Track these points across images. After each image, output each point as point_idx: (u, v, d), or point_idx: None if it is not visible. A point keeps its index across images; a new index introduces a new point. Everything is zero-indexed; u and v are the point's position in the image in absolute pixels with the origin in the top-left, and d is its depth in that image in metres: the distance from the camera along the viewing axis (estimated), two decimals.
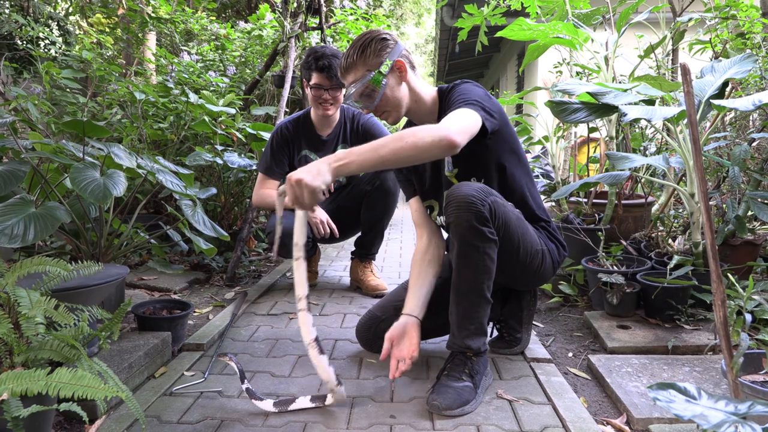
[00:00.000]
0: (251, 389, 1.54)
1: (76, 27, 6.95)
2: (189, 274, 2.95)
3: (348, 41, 5.01)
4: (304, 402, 1.52)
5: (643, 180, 2.80)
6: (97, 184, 1.61)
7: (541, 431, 1.40)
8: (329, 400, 1.51)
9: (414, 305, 1.72)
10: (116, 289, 2.01)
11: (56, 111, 3.10)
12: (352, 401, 1.55)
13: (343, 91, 2.60)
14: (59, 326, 1.31)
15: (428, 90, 1.73)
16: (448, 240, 1.69)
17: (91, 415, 1.37)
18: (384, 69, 1.61)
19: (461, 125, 1.45)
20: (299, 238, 1.48)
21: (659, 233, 2.48)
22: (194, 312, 2.40)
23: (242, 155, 3.12)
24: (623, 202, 2.66)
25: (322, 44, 4.28)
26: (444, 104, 1.69)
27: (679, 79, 2.78)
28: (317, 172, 1.35)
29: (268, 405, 1.50)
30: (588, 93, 2.14)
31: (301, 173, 1.34)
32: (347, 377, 1.72)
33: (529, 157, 4.72)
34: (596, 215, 2.70)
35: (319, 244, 2.86)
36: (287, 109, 3.76)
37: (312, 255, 2.87)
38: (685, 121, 2.07)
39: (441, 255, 1.83)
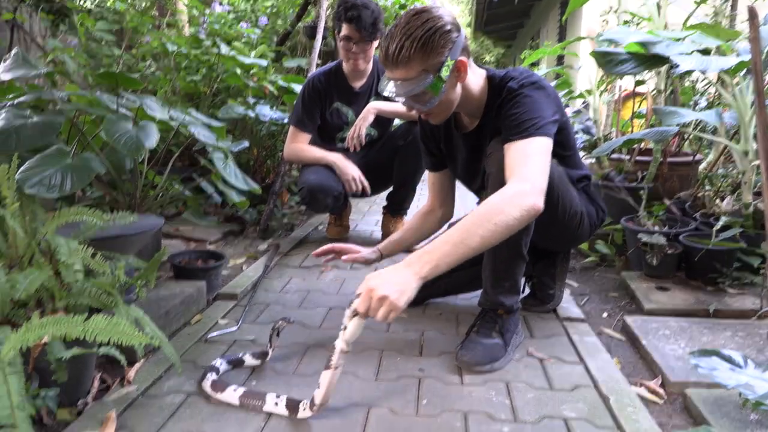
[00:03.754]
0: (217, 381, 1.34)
1: None
2: (223, 226, 2.99)
3: None
4: (271, 403, 1.27)
5: (691, 137, 2.66)
6: (130, 136, 1.62)
7: (572, 390, 1.38)
8: (302, 410, 1.24)
9: (387, 243, 1.82)
10: (152, 238, 2.05)
11: (92, 63, 3.12)
12: (381, 354, 1.56)
13: (374, 44, 2.51)
14: (97, 274, 1.34)
15: (478, 81, 1.53)
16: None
17: (131, 357, 1.42)
18: (445, 73, 1.38)
19: (540, 177, 1.32)
20: (349, 346, 1.22)
21: (706, 193, 2.37)
22: (228, 263, 2.44)
23: (274, 108, 3.10)
24: (669, 159, 2.54)
25: None
26: (495, 99, 1.51)
27: (738, 27, 2.59)
28: (404, 288, 1.17)
29: (232, 397, 1.29)
30: (637, 43, 2.01)
31: (384, 287, 1.16)
32: (376, 329, 1.73)
33: (569, 111, 4.55)
34: (639, 173, 2.59)
35: (350, 198, 2.85)
36: (319, 61, 3.69)
37: (343, 209, 2.86)
38: (743, 72, 1.93)
39: (434, 228, 1.88)
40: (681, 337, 1.63)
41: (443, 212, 1.88)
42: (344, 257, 1.76)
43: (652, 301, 1.89)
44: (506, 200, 1.28)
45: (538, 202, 1.29)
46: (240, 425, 1.22)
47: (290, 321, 1.47)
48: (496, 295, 1.56)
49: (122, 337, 0.98)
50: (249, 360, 1.47)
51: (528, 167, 1.34)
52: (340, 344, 1.19)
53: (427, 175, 1.94)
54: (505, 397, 1.35)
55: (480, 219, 1.26)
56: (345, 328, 1.21)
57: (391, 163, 2.68)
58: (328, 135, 2.75)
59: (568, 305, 1.91)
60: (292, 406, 1.25)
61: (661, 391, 1.39)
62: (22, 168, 1.49)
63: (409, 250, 1.79)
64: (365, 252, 1.78)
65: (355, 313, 1.19)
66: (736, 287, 1.95)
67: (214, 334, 1.68)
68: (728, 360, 0.79)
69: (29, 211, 1.42)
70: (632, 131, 3.19)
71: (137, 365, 1.45)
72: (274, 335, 1.49)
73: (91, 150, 1.87)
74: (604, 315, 1.91)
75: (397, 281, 1.19)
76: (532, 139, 1.37)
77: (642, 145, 2.81)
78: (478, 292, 1.65)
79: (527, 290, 1.91)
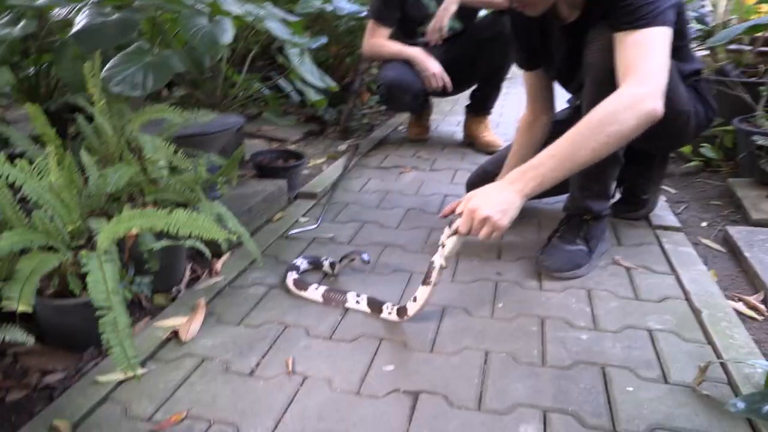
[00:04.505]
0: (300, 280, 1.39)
1: None
2: (304, 126, 3.01)
3: None
4: (352, 301, 1.30)
5: None
6: (206, 31, 1.59)
7: (660, 301, 1.30)
8: (387, 313, 1.25)
9: (510, 169, 1.61)
10: (234, 138, 2.08)
11: None
12: (458, 257, 1.54)
13: None
14: (181, 171, 1.39)
15: None
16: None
17: (216, 251, 1.50)
18: None
19: (661, 75, 1.14)
20: (448, 262, 1.17)
21: None
22: (308, 163, 2.47)
23: (352, 0, 2.94)
24: None
25: None
26: None
27: None
28: (507, 208, 1.12)
29: (315, 294, 1.34)
30: None
31: (487, 208, 1.10)
32: None
33: None
34: (762, 66, 2.26)
35: (431, 97, 2.74)
36: None
37: (423, 109, 2.76)
38: None
39: (543, 137, 1.65)
40: None
41: (547, 118, 1.68)
42: None
43: (761, 211, 1.71)
44: (622, 106, 1.13)
45: (658, 106, 1.14)
46: (318, 317, 1.27)
47: (366, 261, 1.40)
48: (584, 200, 1.47)
49: (202, 231, 1.01)
50: (326, 267, 1.47)
51: (647, 64, 1.16)
52: (439, 261, 1.16)
53: (516, 74, 1.76)
54: (586, 304, 1.30)
55: (591, 130, 1.14)
56: (443, 245, 1.17)
57: (475, 58, 2.51)
58: (409, 29, 2.59)
59: (663, 213, 1.78)
60: (375, 306, 1.27)
61: (762, 307, 1.28)
62: (106, 66, 1.52)
63: None
64: None
65: (455, 232, 1.16)
66: None
67: (295, 231, 1.73)
68: None
69: (117, 109, 1.46)
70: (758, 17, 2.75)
71: (224, 258, 1.53)
72: (346, 261, 1.44)
73: (173, 47, 1.88)
74: (703, 224, 1.76)
75: (500, 200, 1.13)
76: (651, 30, 1.18)
77: None
78: (564, 197, 1.56)
79: (617, 195, 1.78)
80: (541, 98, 1.68)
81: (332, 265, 1.46)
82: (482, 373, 1.07)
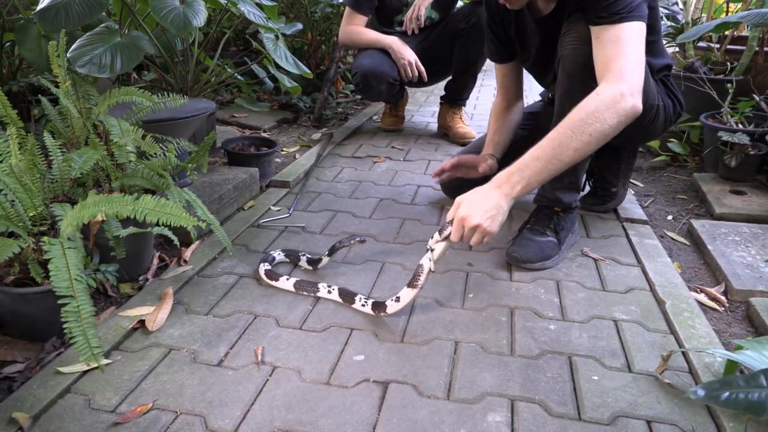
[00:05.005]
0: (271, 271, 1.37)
1: None
2: (278, 113, 2.97)
3: None
4: (324, 291, 1.29)
5: None
6: (177, 13, 1.55)
7: (626, 292, 1.33)
8: (361, 305, 1.25)
9: (492, 148, 1.67)
10: (206, 124, 2.05)
11: None
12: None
13: None
14: (151, 156, 1.35)
15: None
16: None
17: (186, 239, 1.47)
18: None
19: (638, 72, 1.16)
20: (437, 266, 1.21)
21: None
22: (282, 151, 2.44)
23: None
24: (766, 49, 2.24)
25: None
26: None
27: None
28: (495, 212, 1.14)
29: (286, 285, 1.32)
30: None
31: (476, 216, 1.12)
32: (427, 223, 1.70)
33: None
34: (728, 64, 2.32)
35: (406, 87, 2.73)
36: None
37: (399, 99, 2.75)
38: None
39: (519, 120, 1.73)
40: (752, 244, 1.52)
41: (520, 105, 1.74)
42: (480, 170, 1.64)
43: (724, 205, 1.76)
44: (603, 105, 1.15)
45: (638, 103, 1.17)
46: (289, 307, 1.26)
47: (362, 240, 1.38)
48: (554, 192, 1.49)
49: (170, 218, 0.99)
50: (303, 263, 1.44)
51: (625, 61, 1.18)
52: (428, 265, 1.17)
53: (491, 65, 1.77)
54: (554, 295, 1.32)
55: (573, 130, 1.15)
56: (432, 249, 1.19)
57: (451, 49, 2.51)
58: (386, 17, 2.58)
59: (631, 206, 1.81)
60: (348, 296, 1.26)
61: (722, 298, 1.32)
62: (72, 47, 1.47)
63: None
64: (490, 162, 1.65)
65: (446, 239, 1.17)
66: None
67: (266, 220, 1.71)
68: None
69: (83, 91, 1.42)
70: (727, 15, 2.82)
71: (193, 246, 1.50)
72: (338, 247, 1.40)
73: (142, 30, 1.83)
74: (669, 218, 1.80)
75: (488, 207, 1.15)
76: (626, 25, 1.19)
77: (736, 31, 2.49)
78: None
79: (587, 188, 1.81)
80: (513, 87, 1.71)
81: (310, 261, 1.42)
82: (452, 363, 1.08)
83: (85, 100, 1.40)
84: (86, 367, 1.01)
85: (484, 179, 1.28)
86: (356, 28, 2.49)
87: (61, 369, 1.01)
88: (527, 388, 1.01)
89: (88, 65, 1.42)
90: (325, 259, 1.41)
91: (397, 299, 1.19)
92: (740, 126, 2.00)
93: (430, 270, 1.18)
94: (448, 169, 1.67)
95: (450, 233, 1.17)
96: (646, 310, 1.26)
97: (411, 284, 1.18)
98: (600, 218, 1.75)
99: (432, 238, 1.21)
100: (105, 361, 1.04)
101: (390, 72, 2.42)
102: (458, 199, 1.19)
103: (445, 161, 1.69)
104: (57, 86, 1.33)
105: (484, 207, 1.15)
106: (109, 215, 1.02)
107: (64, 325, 0.86)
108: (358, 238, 1.38)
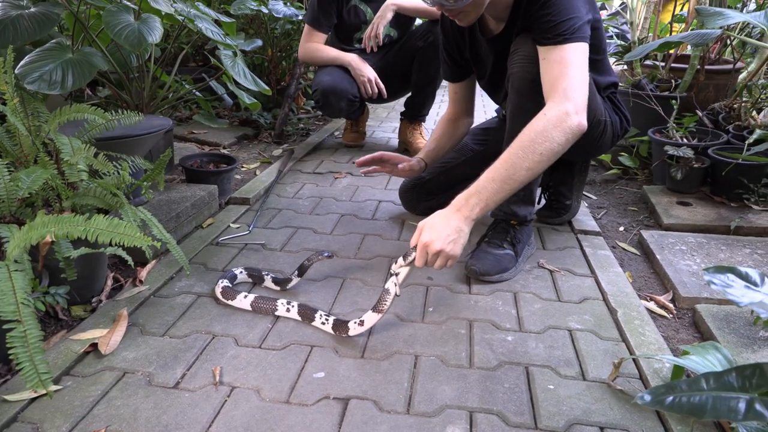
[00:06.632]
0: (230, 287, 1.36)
1: None
2: (238, 130, 2.95)
3: None
4: (282, 309, 1.29)
5: (734, 42, 2.46)
6: (132, 29, 1.53)
7: (580, 302, 1.37)
8: (321, 323, 1.24)
9: (425, 154, 1.78)
10: (163, 141, 2.02)
11: None
12: (390, 262, 1.56)
13: None
14: (104, 175, 1.33)
15: None
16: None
17: (141, 259, 1.44)
18: None
19: (582, 91, 1.23)
20: (399, 290, 1.22)
21: (743, 104, 2.22)
22: (242, 167, 2.42)
23: (288, 4, 2.92)
24: (706, 67, 2.37)
25: None
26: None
27: None
28: (457, 236, 1.18)
29: (243, 303, 1.31)
30: None
31: (438, 241, 1.16)
32: (388, 238, 1.72)
33: (604, 14, 4.23)
34: (673, 81, 2.43)
35: (367, 103, 2.75)
36: None
37: (360, 115, 2.77)
38: None
39: (465, 134, 1.83)
40: (697, 252, 1.59)
41: (469, 120, 1.82)
42: (399, 167, 1.74)
43: (671, 216, 1.83)
44: (551, 125, 1.20)
45: (583, 120, 1.23)
46: (248, 326, 1.24)
47: (330, 256, 1.37)
48: (510, 205, 1.52)
49: (123, 238, 0.97)
50: (269, 283, 1.42)
51: (568, 81, 1.23)
52: (394, 290, 1.19)
53: (448, 87, 1.83)
54: (512, 307, 1.35)
55: (525, 150, 1.20)
56: (397, 274, 1.21)
57: (410, 66, 2.55)
58: (345, 35, 2.60)
59: (584, 218, 1.87)
60: (307, 314, 1.26)
61: (670, 305, 1.38)
62: (21, 63, 1.43)
63: None
64: (414, 162, 1.75)
65: (410, 264, 1.20)
66: (761, 204, 1.87)
67: (225, 237, 1.69)
68: (744, 277, 0.75)
69: (32, 108, 1.38)
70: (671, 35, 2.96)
71: (149, 266, 1.47)
72: (308, 265, 1.38)
73: (97, 47, 1.80)
74: (621, 229, 1.87)
75: (449, 231, 1.18)
76: (570, 46, 1.25)
77: (679, 50, 2.61)
78: None
79: (542, 201, 1.87)
80: (463, 103, 1.79)
81: (277, 281, 1.41)
82: (412, 377, 1.08)
83: (35, 117, 1.37)
84: (34, 394, 0.97)
85: (447, 200, 1.28)
86: (316, 45, 2.50)
87: (7, 397, 0.97)
88: (485, 400, 1.02)
89: (37, 81, 1.39)
90: (295, 279, 1.40)
91: (361, 323, 1.19)
92: (685, 140, 2.10)
93: (396, 294, 1.19)
94: (370, 162, 1.72)
95: (414, 259, 1.19)
96: (599, 319, 1.30)
97: (376, 309, 1.18)
98: (555, 230, 1.80)
99: (396, 262, 1.23)
100: (54, 388, 1.00)
101: (350, 89, 2.44)
102: (420, 224, 1.22)
103: (376, 153, 1.75)
104: (4, 103, 1.29)
105: (446, 232, 1.18)
106: (58, 236, 0.99)
107: (10, 351, 0.83)
108: (326, 254, 1.37)
